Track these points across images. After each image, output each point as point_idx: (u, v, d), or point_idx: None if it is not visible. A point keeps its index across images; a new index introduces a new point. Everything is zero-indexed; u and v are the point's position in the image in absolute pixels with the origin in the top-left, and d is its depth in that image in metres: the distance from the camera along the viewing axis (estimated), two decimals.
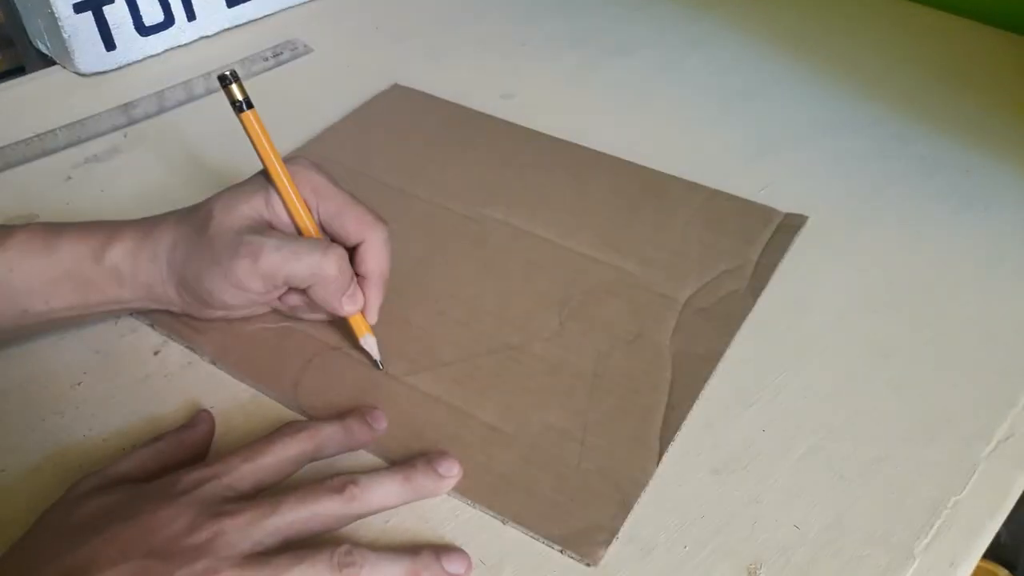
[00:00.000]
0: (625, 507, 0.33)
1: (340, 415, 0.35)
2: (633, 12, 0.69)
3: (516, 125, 0.55)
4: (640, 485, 0.34)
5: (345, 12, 0.69)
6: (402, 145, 0.53)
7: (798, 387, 0.39)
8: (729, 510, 0.33)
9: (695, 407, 0.37)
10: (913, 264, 0.46)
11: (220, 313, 0.38)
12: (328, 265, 0.35)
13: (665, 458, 0.35)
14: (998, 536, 0.34)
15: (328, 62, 0.62)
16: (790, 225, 0.47)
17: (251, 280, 0.35)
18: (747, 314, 0.42)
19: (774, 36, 0.66)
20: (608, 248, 0.45)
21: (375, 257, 0.37)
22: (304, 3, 0.70)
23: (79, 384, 0.38)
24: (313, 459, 0.33)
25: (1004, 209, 0.50)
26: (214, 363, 0.39)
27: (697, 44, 0.65)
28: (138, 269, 0.37)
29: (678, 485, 0.34)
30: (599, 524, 0.32)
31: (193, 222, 0.36)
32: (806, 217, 0.48)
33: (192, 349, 0.39)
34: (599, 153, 0.53)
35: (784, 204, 0.49)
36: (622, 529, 0.33)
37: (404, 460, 0.34)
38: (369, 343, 0.38)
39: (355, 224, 0.37)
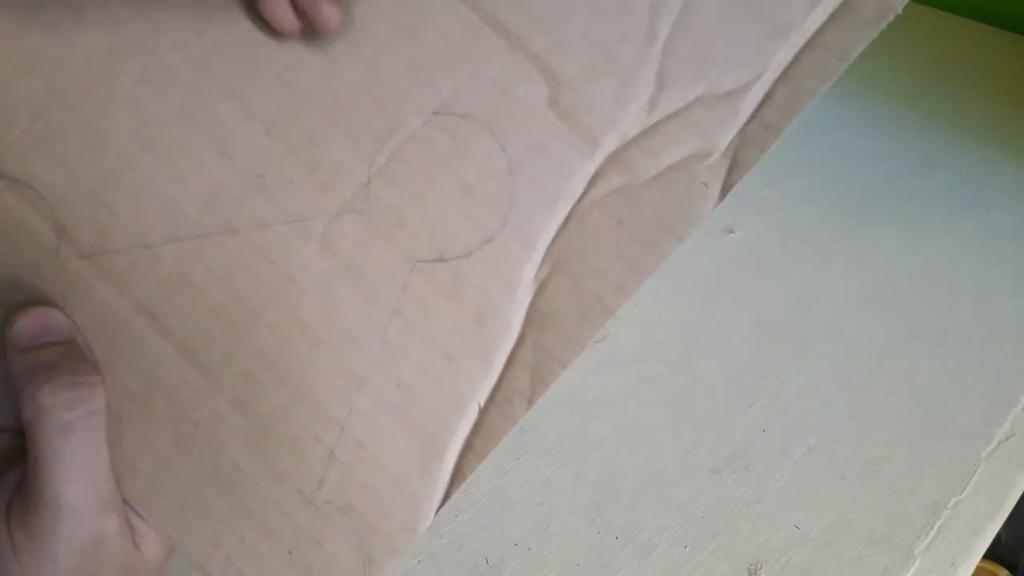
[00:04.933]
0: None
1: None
2: None
3: None
4: (395, 551, 0.23)
5: None
6: None
7: (798, 387, 0.39)
8: (729, 510, 0.33)
9: (695, 406, 0.37)
10: (913, 264, 0.46)
11: None
12: None
13: (665, 458, 0.35)
14: (998, 536, 0.34)
15: None
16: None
17: None
18: (714, 201, 0.25)
19: None
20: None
21: None
22: None
23: None
24: None
25: (1004, 209, 0.50)
26: None
27: None
28: None
29: (678, 485, 0.34)
30: None
31: None
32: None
33: None
34: None
35: (784, 204, 0.49)
36: (622, 529, 0.33)
37: None
38: None
39: None
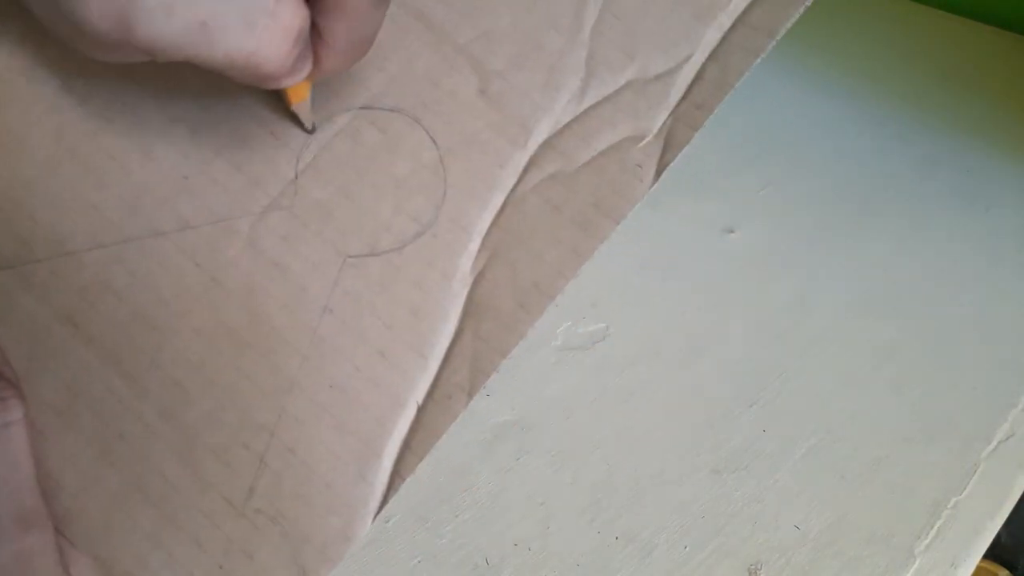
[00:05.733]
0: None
1: None
2: None
3: None
4: (330, 561, 0.22)
5: None
6: None
7: (798, 387, 0.39)
8: (729, 510, 0.33)
9: (695, 406, 0.37)
10: (913, 264, 0.46)
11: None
12: (270, 47, 0.20)
13: (665, 458, 0.35)
14: (998, 536, 0.34)
15: None
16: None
17: (111, 51, 0.20)
18: (642, 192, 0.25)
19: None
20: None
21: None
22: None
23: None
24: None
25: (1004, 209, 0.50)
26: None
27: None
28: None
29: (678, 485, 0.34)
30: None
31: None
32: None
33: None
34: None
35: (784, 204, 0.49)
36: (622, 529, 0.33)
37: None
38: (303, 108, 0.24)
39: None
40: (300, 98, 0.24)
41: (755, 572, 0.32)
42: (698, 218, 0.48)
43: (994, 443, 0.36)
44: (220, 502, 0.23)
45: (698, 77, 0.25)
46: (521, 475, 0.35)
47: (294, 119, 0.25)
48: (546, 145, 0.25)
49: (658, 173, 0.24)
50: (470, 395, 0.23)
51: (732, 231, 0.47)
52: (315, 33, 0.22)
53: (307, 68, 0.22)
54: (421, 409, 0.23)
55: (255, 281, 0.24)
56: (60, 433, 0.24)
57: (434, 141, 0.25)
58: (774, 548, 0.32)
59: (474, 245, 0.24)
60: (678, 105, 0.25)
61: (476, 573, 0.31)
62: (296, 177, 0.25)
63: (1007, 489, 0.35)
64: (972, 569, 0.32)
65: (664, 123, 0.24)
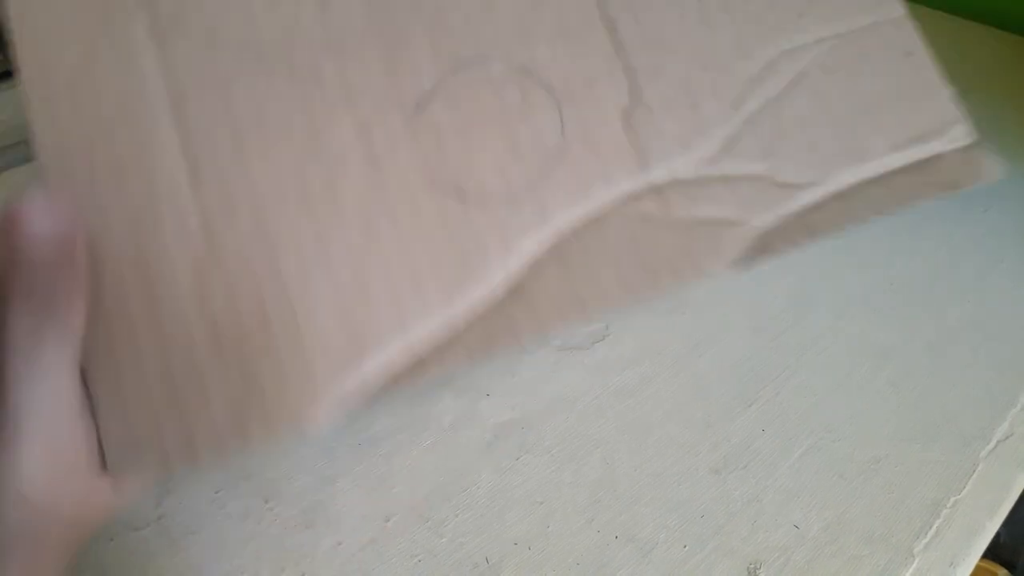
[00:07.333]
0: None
1: None
2: None
3: None
4: (271, 430, 0.22)
5: None
6: None
7: (798, 387, 0.39)
8: (729, 510, 0.34)
9: (694, 406, 0.37)
10: (913, 264, 0.46)
11: None
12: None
13: (665, 458, 0.35)
14: (997, 536, 0.34)
15: None
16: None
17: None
18: None
19: None
20: None
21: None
22: None
23: None
24: None
25: (1004, 209, 0.50)
26: None
27: None
28: None
29: (678, 485, 0.34)
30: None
31: None
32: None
33: None
34: None
35: None
36: (621, 528, 0.33)
37: None
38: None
39: None
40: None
41: (754, 571, 0.32)
42: None
43: (993, 443, 0.36)
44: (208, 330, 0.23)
45: (819, 204, 0.26)
46: (521, 475, 0.35)
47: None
48: (655, 187, 0.26)
49: (736, 264, 0.25)
50: (469, 360, 0.23)
51: None
52: None
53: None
54: (421, 343, 0.23)
55: (349, 166, 0.25)
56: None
57: (562, 129, 0.26)
58: (773, 547, 0.32)
59: (545, 234, 0.25)
60: (787, 216, 0.26)
61: (476, 572, 0.31)
62: (433, 89, 0.25)
63: (1006, 488, 0.35)
64: (971, 568, 0.32)
65: (767, 225, 0.26)
